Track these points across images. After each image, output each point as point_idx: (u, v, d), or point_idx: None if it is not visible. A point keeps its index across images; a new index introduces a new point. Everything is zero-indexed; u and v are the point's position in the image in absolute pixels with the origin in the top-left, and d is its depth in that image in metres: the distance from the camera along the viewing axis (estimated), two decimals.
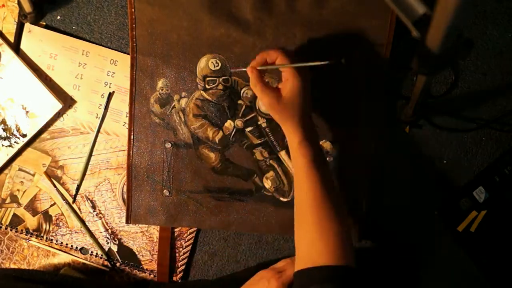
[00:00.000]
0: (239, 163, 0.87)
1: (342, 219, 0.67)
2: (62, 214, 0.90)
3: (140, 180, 0.88)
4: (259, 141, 0.87)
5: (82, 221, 0.90)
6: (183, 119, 0.87)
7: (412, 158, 0.88)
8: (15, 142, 0.87)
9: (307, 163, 0.68)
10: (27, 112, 0.87)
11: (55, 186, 0.89)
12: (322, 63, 0.66)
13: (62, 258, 0.92)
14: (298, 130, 0.69)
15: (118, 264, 0.91)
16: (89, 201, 0.90)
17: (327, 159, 0.86)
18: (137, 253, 0.91)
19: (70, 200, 0.90)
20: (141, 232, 0.90)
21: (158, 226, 0.90)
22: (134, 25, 0.84)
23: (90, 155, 0.88)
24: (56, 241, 0.90)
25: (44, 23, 0.87)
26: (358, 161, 0.86)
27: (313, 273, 0.64)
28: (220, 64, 0.85)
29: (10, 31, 0.87)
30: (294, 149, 0.70)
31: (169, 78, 0.86)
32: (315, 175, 0.67)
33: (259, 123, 0.86)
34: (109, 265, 0.91)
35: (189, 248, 0.91)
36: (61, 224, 0.90)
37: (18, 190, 0.90)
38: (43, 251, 0.91)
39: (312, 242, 0.66)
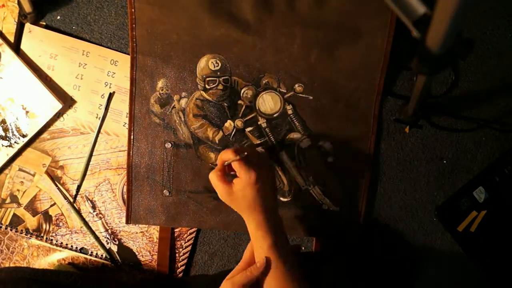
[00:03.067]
0: None
1: None
2: (62, 214, 0.90)
3: (140, 180, 0.88)
4: (259, 141, 0.87)
5: (84, 221, 0.90)
6: (183, 119, 0.87)
7: (412, 158, 0.88)
8: (15, 142, 0.87)
9: (268, 247, 0.67)
10: (27, 112, 0.87)
11: (57, 185, 0.89)
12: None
13: (62, 258, 0.91)
14: (254, 221, 0.69)
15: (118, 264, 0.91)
16: (89, 201, 0.90)
17: (327, 159, 0.86)
18: (137, 253, 0.91)
19: (71, 200, 0.90)
20: (141, 232, 0.90)
21: (158, 226, 0.90)
22: (134, 25, 0.84)
23: (91, 155, 0.88)
24: (56, 241, 0.90)
25: (44, 23, 0.87)
26: (358, 161, 0.86)
27: None
28: (220, 64, 0.85)
29: (10, 31, 0.87)
30: (254, 239, 0.70)
31: (169, 78, 0.86)
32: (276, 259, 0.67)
33: (259, 123, 0.86)
34: (110, 265, 0.91)
35: (189, 248, 0.91)
36: (61, 224, 0.90)
37: (18, 190, 0.90)
38: (43, 251, 0.91)
39: None
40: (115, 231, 0.90)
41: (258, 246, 0.68)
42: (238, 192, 0.68)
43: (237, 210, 0.70)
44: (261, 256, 0.67)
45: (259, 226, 0.68)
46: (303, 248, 0.90)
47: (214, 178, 0.70)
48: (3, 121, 0.87)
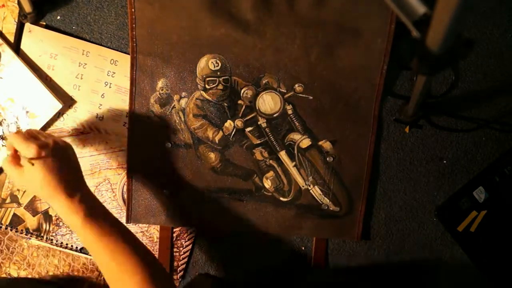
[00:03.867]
0: (239, 163, 0.87)
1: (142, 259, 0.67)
2: None
3: (140, 180, 0.88)
4: (259, 141, 0.87)
5: None
6: (183, 119, 0.87)
7: (412, 158, 0.88)
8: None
9: (82, 220, 0.65)
10: (27, 112, 0.87)
11: None
12: None
13: (62, 258, 0.92)
14: (55, 203, 0.66)
15: None
16: None
17: (327, 159, 0.86)
18: None
19: None
20: (141, 232, 0.90)
21: (158, 226, 0.90)
22: (134, 25, 0.84)
23: None
24: (56, 241, 0.90)
25: (44, 23, 0.87)
26: (358, 161, 0.86)
27: None
28: (220, 64, 0.85)
29: (10, 31, 0.87)
30: (63, 216, 0.67)
31: (169, 78, 0.86)
32: (94, 227, 0.66)
33: (259, 123, 0.86)
34: None
35: (189, 248, 0.91)
36: (61, 224, 0.90)
37: (18, 190, 0.90)
38: (43, 251, 0.91)
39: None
40: None
41: (70, 224, 0.66)
42: (27, 174, 0.64)
43: (38, 195, 0.67)
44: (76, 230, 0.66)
45: (64, 208, 0.65)
46: (303, 248, 0.90)
47: (5, 163, 0.66)
48: (3, 121, 0.87)
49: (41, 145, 0.65)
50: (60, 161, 0.66)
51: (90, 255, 0.91)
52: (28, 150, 0.64)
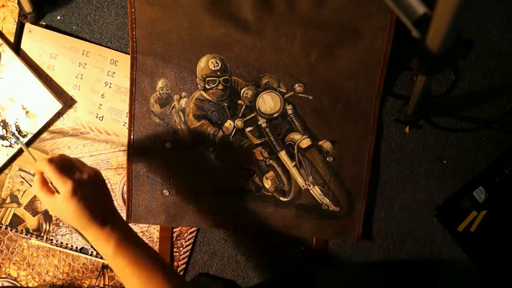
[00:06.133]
0: (239, 163, 0.87)
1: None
2: None
3: (140, 180, 0.88)
4: (259, 141, 0.87)
5: None
6: (183, 119, 0.87)
7: (412, 158, 0.88)
8: (15, 142, 0.87)
9: (112, 249, 0.65)
10: (27, 112, 0.87)
11: None
12: None
13: (62, 258, 0.91)
14: (89, 235, 0.66)
15: None
16: None
17: (327, 159, 0.86)
18: None
19: None
20: (141, 232, 0.90)
21: (158, 226, 0.90)
22: (134, 25, 0.84)
23: None
24: (56, 241, 0.90)
25: (44, 23, 0.87)
26: (358, 161, 0.86)
27: None
28: (220, 64, 0.85)
29: (10, 31, 0.87)
30: (95, 245, 0.66)
31: (169, 78, 0.86)
32: (124, 258, 0.65)
33: (259, 123, 0.86)
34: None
35: (189, 248, 0.91)
36: (61, 224, 0.90)
37: (18, 190, 0.90)
38: (43, 251, 0.91)
39: None
40: None
41: (103, 253, 0.66)
42: (61, 205, 0.64)
43: (71, 224, 0.66)
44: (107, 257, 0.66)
45: (96, 238, 0.65)
46: (302, 248, 0.90)
47: (37, 191, 0.65)
48: (3, 121, 0.87)
49: (78, 181, 0.64)
50: (94, 193, 0.65)
51: (90, 255, 0.91)
52: (64, 186, 0.63)
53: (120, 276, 0.67)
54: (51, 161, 0.64)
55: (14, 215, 0.90)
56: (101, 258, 0.91)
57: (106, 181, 0.88)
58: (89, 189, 0.65)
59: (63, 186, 0.63)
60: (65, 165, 0.65)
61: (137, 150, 0.87)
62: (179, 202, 0.88)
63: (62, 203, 0.64)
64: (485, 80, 0.86)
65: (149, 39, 0.84)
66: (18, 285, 0.91)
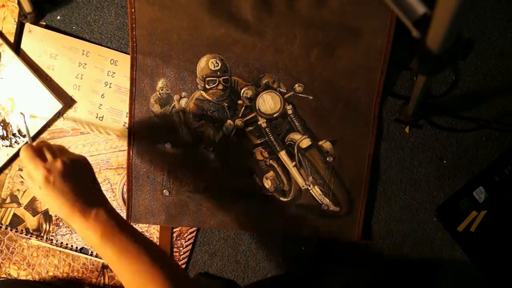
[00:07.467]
0: (239, 163, 0.87)
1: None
2: None
3: (140, 180, 0.88)
4: (259, 141, 0.87)
5: None
6: (183, 119, 0.87)
7: (412, 158, 0.88)
8: (15, 142, 0.87)
9: (99, 239, 0.62)
10: (27, 112, 0.87)
11: None
12: None
13: (62, 258, 0.92)
14: (71, 222, 0.64)
15: None
16: None
17: (327, 159, 0.86)
18: None
19: None
20: (141, 232, 0.90)
21: (158, 226, 0.90)
22: (134, 25, 0.84)
23: None
24: (56, 241, 0.90)
25: (44, 23, 0.87)
26: (358, 161, 0.86)
27: None
28: (220, 64, 0.85)
29: (10, 31, 0.87)
30: (81, 235, 0.64)
31: (169, 78, 0.86)
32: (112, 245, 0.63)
33: (259, 123, 0.86)
34: None
35: (189, 248, 0.91)
36: (61, 224, 0.90)
37: (18, 190, 0.90)
38: (43, 251, 0.91)
39: None
40: None
41: (89, 242, 0.64)
42: (39, 194, 0.63)
43: (57, 214, 0.65)
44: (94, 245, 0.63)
45: (82, 225, 0.63)
46: (303, 248, 0.90)
47: (28, 180, 0.64)
48: (3, 121, 0.87)
49: (49, 170, 0.63)
50: (73, 180, 0.64)
51: (90, 255, 0.91)
52: (36, 174, 0.62)
53: (111, 266, 0.65)
54: (25, 149, 0.64)
55: (14, 215, 0.90)
56: (101, 258, 0.91)
57: (106, 181, 0.89)
58: (67, 175, 0.63)
59: (36, 174, 0.62)
60: (41, 151, 0.64)
61: (137, 150, 0.87)
62: (179, 202, 0.88)
63: (38, 192, 0.63)
64: (485, 80, 0.86)
65: (149, 39, 0.84)
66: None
